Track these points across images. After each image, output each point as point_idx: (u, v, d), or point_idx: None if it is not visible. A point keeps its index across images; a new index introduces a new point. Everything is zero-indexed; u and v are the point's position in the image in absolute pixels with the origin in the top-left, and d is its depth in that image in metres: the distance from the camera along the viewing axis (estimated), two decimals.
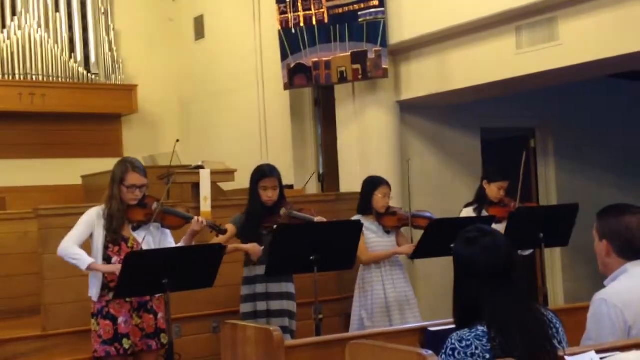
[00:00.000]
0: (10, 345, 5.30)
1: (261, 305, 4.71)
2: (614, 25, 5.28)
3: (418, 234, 5.38)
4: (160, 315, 4.27)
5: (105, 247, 4.19)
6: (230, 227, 4.70)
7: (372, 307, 5.20)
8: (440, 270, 5.26)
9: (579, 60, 5.51)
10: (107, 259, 4.19)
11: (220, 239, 4.57)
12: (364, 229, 5.23)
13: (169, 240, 4.40)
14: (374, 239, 5.26)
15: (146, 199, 4.31)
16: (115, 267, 4.07)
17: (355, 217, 5.33)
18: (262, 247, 4.58)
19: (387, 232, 5.31)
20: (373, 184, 5.33)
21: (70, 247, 4.13)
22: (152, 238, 4.26)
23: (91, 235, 4.22)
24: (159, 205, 4.25)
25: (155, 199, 4.33)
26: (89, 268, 4.12)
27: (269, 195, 4.71)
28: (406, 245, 5.23)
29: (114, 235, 4.20)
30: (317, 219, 4.67)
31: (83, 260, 4.11)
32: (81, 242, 4.20)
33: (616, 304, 2.67)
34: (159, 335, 4.27)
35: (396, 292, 5.21)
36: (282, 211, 4.65)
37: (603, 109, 8.17)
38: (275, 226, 4.47)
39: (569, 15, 5.54)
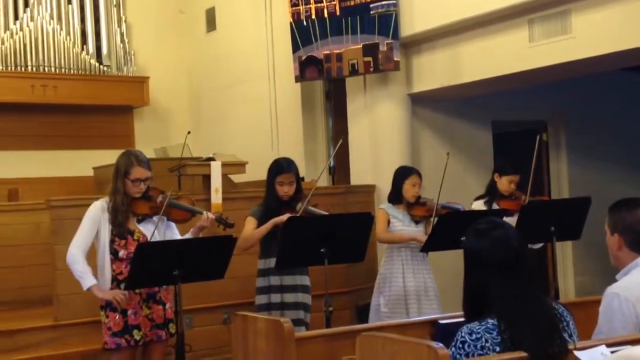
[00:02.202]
0: (22, 335, 5.35)
1: (275, 298, 4.71)
2: (627, 18, 5.25)
3: None
4: (168, 305, 4.27)
5: (112, 242, 4.18)
6: (252, 219, 4.71)
7: (390, 295, 5.24)
8: (451, 263, 5.25)
9: (592, 53, 5.48)
10: (114, 253, 4.18)
11: (247, 229, 4.59)
12: (390, 216, 5.28)
13: (174, 233, 4.38)
14: (399, 227, 5.28)
15: (150, 191, 4.28)
16: (112, 293, 4.08)
17: (383, 205, 5.39)
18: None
19: (416, 221, 5.32)
20: (403, 173, 5.35)
21: (77, 261, 4.12)
22: (157, 232, 4.25)
23: (97, 231, 4.21)
24: (165, 198, 4.24)
25: (159, 191, 4.31)
26: (89, 289, 4.14)
27: (285, 190, 4.70)
28: (424, 235, 5.21)
29: (119, 229, 4.17)
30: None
31: (86, 280, 4.12)
32: (88, 245, 4.18)
33: (628, 297, 2.66)
34: (168, 325, 4.27)
35: (416, 283, 5.23)
36: (298, 206, 4.65)
37: (616, 102, 8.12)
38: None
39: (582, 8, 5.51)
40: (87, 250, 4.18)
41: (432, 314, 4.94)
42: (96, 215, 4.19)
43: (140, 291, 4.18)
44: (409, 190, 5.28)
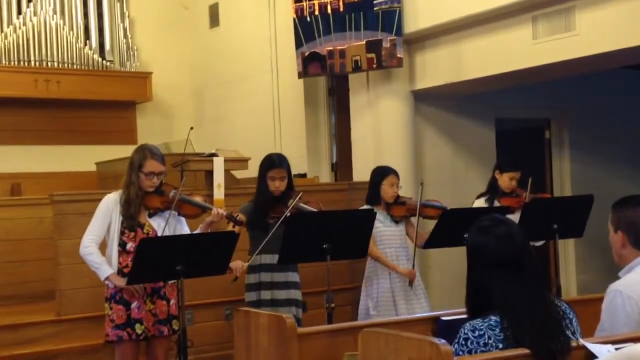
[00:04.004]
0: (24, 330, 5.36)
1: (265, 294, 4.72)
2: (631, 15, 5.24)
3: (427, 223, 5.36)
4: (172, 301, 4.29)
5: (121, 233, 4.22)
6: (241, 217, 4.71)
7: (378, 297, 5.21)
8: (454, 259, 5.26)
9: (596, 51, 5.47)
10: (122, 245, 4.22)
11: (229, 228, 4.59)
12: None
13: (184, 229, 4.42)
14: (381, 228, 5.23)
15: (163, 186, 4.33)
16: (124, 283, 4.11)
17: (364, 207, 5.32)
18: (246, 264, 4.58)
19: (396, 221, 5.28)
20: (381, 173, 5.30)
21: (91, 252, 4.17)
22: (167, 226, 4.27)
23: (109, 223, 4.24)
24: (177, 194, 4.26)
25: (172, 187, 4.35)
26: (107, 279, 4.18)
27: (276, 185, 4.71)
28: (408, 269, 5.18)
29: (130, 221, 4.22)
30: None
31: (102, 270, 4.16)
32: (101, 237, 4.23)
33: (631, 295, 2.66)
34: (171, 321, 4.29)
35: (402, 282, 5.21)
36: (290, 202, 4.65)
37: (619, 100, 8.11)
38: (285, 215, 4.47)
39: (586, 5, 5.49)
40: (100, 242, 4.23)
41: (421, 312, 4.93)
42: (109, 208, 4.24)
43: (145, 285, 4.20)
44: (387, 190, 5.24)
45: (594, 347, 2.34)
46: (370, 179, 5.35)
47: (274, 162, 4.75)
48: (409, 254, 5.30)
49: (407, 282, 5.20)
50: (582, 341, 2.36)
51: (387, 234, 5.24)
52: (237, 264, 4.52)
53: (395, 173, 5.30)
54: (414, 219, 5.32)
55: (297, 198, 4.65)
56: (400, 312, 5.13)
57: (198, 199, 4.45)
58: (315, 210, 4.73)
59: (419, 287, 5.28)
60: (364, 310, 5.28)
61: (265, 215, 4.69)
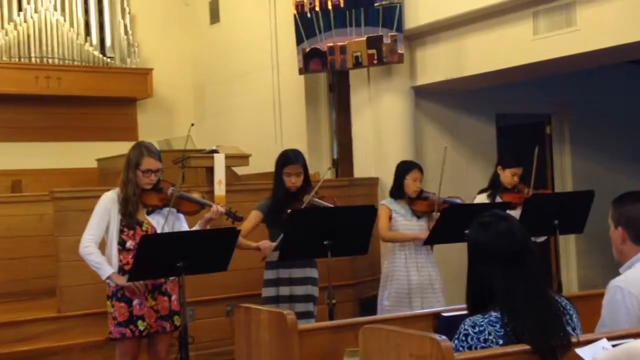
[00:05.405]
0: (25, 327, 5.36)
1: (284, 290, 4.72)
2: (632, 11, 5.23)
3: None
4: (174, 297, 4.29)
5: (120, 231, 4.22)
6: (257, 213, 4.72)
7: (392, 290, 5.24)
8: (457, 255, 5.24)
9: (597, 46, 5.46)
10: (121, 243, 4.22)
11: (247, 224, 4.59)
12: (392, 211, 5.27)
13: (183, 225, 4.42)
14: (402, 222, 5.27)
15: (161, 183, 4.33)
16: (125, 281, 4.12)
17: (384, 201, 5.38)
18: (274, 243, 4.58)
19: (418, 216, 5.30)
20: (405, 168, 5.34)
21: (91, 252, 4.17)
22: (166, 223, 4.27)
23: (107, 221, 4.24)
24: (175, 190, 4.26)
25: (170, 184, 4.35)
26: (109, 278, 4.18)
27: (292, 181, 4.71)
28: (426, 232, 5.20)
29: (128, 219, 4.21)
30: None
31: (103, 269, 4.16)
32: (100, 236, 4.23)
33: (631, 290, 2.66)
34: (173, 317, 4.29)
35: (419, 277, 5.23)
36: (305, 198, 4.66)
37: (620, 95, 8.10)
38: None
39: (586, 1, 5.49)
40: (99, 241, 4.23)
41: (437, 306, 4.93)
42: (107, 207, 4.23)
43: (146, 282, 4.20)
44: (410, 185, 5.27)
45: (586, 352, 2.32)
46: (394, 173, 5.39)
47: (290, 159, 4.75)
48: (429, 250, 5.31)
49: (424, 278, 5.22)
50: (577, 351, 2.35)
51: (406, 227, 5.27)
52: (265, 244, 4.54)
53: (419, 168, 5.34)
54: (436, 214, 5.30)
55: (312, 193, 4.66)
56: (415, 307, 5.15)
57: (196, 195, 4.45)
58: (332, 205, 4.74)
59: (436, 281, 5.30)
60: (380, 301, 5.35)
61: (282, 211, 4.69)
